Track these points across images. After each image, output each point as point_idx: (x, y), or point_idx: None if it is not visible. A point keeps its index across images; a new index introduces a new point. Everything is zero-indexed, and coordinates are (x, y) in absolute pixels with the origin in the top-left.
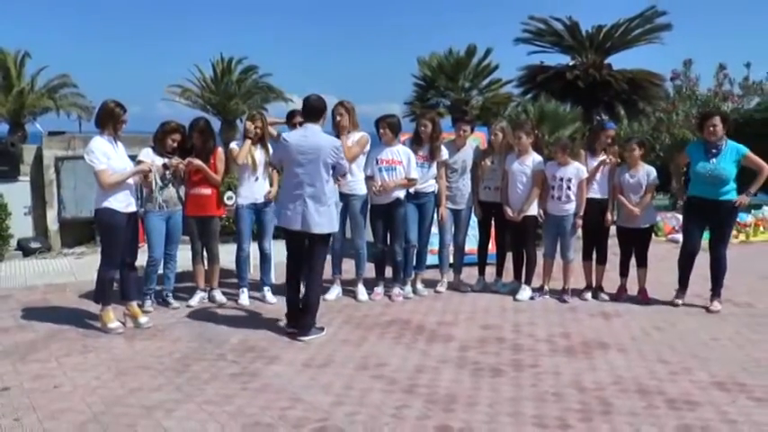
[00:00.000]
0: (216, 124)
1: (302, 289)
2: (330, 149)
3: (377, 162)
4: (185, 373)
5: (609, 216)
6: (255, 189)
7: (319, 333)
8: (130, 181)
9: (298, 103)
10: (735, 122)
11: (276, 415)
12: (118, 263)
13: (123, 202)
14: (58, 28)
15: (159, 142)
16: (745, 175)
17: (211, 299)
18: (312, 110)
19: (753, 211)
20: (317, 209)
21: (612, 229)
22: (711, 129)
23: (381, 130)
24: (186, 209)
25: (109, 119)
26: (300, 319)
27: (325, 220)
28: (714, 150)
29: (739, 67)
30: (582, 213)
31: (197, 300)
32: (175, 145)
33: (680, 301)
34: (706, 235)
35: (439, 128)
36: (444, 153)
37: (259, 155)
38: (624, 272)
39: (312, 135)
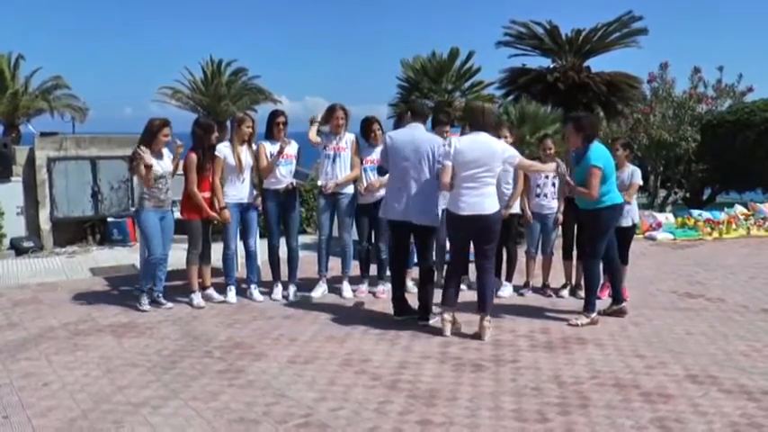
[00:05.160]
0: None
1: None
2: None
3: (363, 162)
4: (172, 371)
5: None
6: (241, 189)
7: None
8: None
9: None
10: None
11: (261, 411)
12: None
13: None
14: (51, 30)
15: (153, 141)
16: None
17: (203, 297)
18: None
19: (726, 209)
20: (421, 201)
21: None
22: (565, 136)
23: (374, 132)
24: (187, 211)
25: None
26: (420, 307)
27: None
28: (580, 157)
29: (712, 71)
30: (562, 210)
31: (195, 300)
32: (168, 139)
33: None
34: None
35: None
36: None
37: (245, 156)
38: (607, 269)
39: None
